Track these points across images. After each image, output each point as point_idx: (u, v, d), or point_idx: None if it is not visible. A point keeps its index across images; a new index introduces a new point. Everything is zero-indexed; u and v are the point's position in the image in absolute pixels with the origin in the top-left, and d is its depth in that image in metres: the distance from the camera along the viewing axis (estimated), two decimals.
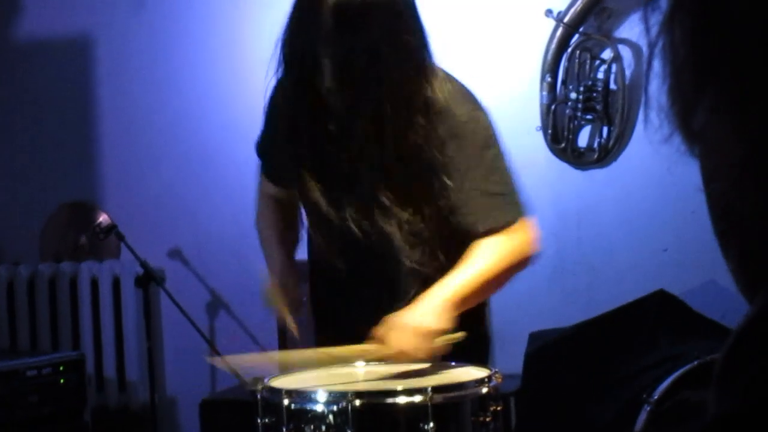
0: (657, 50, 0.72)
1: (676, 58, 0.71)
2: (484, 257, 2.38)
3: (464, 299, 2.34)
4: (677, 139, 0.73)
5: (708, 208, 0.75)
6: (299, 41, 2.28)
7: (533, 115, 4.40)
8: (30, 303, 5.12)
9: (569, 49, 4.37)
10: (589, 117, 4.40)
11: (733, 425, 0.66)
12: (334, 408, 2.08)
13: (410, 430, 2.09)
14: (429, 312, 2.29)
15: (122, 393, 5.03)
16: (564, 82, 4.40)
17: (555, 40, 4.37)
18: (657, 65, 0.72)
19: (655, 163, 4.12)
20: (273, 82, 2.45)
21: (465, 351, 2.39)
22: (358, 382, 2.30)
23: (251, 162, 2.83)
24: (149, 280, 4.49)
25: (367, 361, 2.37)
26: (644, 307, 3.82)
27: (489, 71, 4.42)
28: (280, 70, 2.35)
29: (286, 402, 2.13)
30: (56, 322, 5.10)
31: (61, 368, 4.54)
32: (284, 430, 2.14)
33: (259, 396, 2.20)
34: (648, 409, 3.37)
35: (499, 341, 2.60)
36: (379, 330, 2.29)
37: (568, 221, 4.40)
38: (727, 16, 0.68)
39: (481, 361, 2.46)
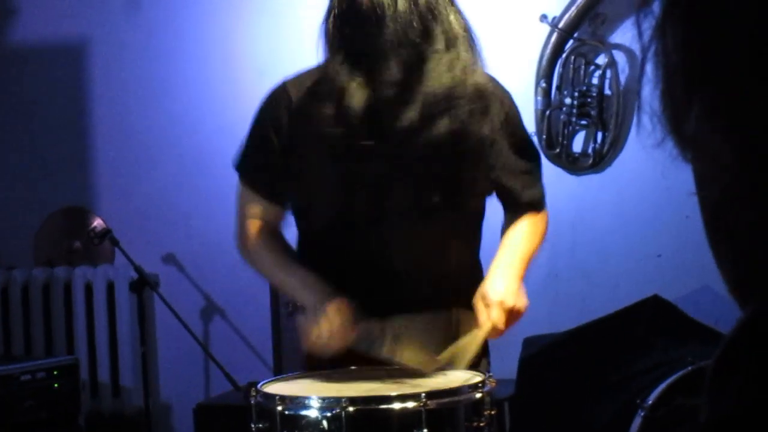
0: (649, 55, 0.72)
1: (667, 63, 0.71)
2: (531, 236, 2.51)
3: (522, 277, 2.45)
4: (670, 144, 0.74)
5: (701, 212, 0.75)
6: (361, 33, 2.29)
7: (528, 121, 4.38)
8: (24, 308, 5.11)
9: (564, 55, 4.38)
10: (583, 122, 4.40)
11: (725, 428, 0.66)
12: (328, 414, 2.08)
13: None
14: (514, 291, 2.37)
15: (116, 398, 5.02)
16: (558, 88, 4.40)
17: (549, 46, 4.38)
18: (649, 70, 0.72)
19: (650, 169, 4.12)
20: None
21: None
22: (351, 388, 2.30)
23: None
24: (143, 285, 4.49)
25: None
26: (638, 312, 3.82)
27: None
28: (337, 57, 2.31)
29: (279, 408, 2.13)
30: (50, 327, 5.09)
31: (56, 373, 4.53)
32: None
33: (253, 401, 2.20)
34: (642, 414, 3.37)
35: (493, 346, 2.59)
36: (478, 304, 2.35)
37: (563, 226, 4.40)
38: (717, 23, 0.68)
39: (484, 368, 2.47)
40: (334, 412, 2.08)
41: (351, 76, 2.26)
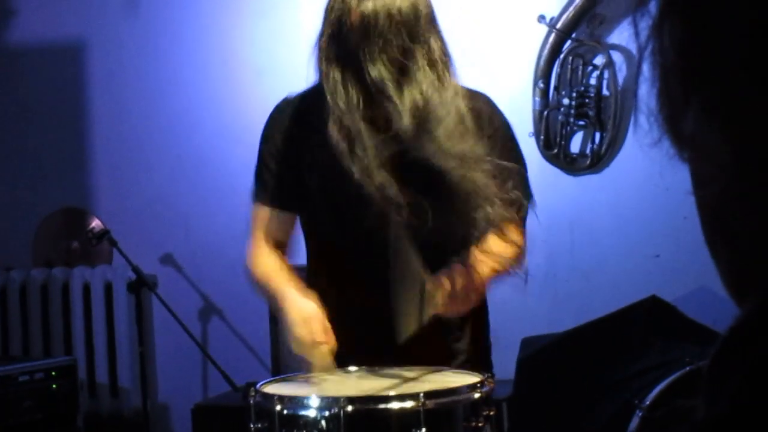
0: (646, 54, 0.72)
1: (664, 62, 0.71)
2: (500, 247, 2.40)
3: (486, 286, 2.41)
4: (667, 144, 0.74)
5: (698, 212, 0.75)
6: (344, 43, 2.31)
7: (526, 121, 4.40)
8: (22, 308, 5.11)
9: (562, 55, 4.38)
10: (581, 123, 4.41)
11: (722, 427, 0.66)
12: (327, 414, 2.09)
13: None
14: (463, 272, 2.32)
15: (114, 398, 5.02)
16: (556, 88, 4.41)
17: (547, 46, 4.38)
18: (646, 69, 0.73)
19: (648, 169, 4.13)
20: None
21: (469, 361, 2.44)
22: (350, 387, 2.30)
23: (244, 168, 2.82)
24: (141, 285, 4.49)
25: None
26: (636, 312, 3.83)
27: (481, 77, 4.41)
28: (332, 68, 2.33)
29: (278, 407, 2.13)
30: (48, 327, 5.09)
31: (54, 374, 4.53)
32: None
33: (251, 401, 2.20)
34: (640, 414, 3.38)
35: (492, 346, 2.60)
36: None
37: (561, 227, 4.41)
38: (715, 21, 0.68)
39: (485, 370, 2.46)
40: (332, 411, 2.08)
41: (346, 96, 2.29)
